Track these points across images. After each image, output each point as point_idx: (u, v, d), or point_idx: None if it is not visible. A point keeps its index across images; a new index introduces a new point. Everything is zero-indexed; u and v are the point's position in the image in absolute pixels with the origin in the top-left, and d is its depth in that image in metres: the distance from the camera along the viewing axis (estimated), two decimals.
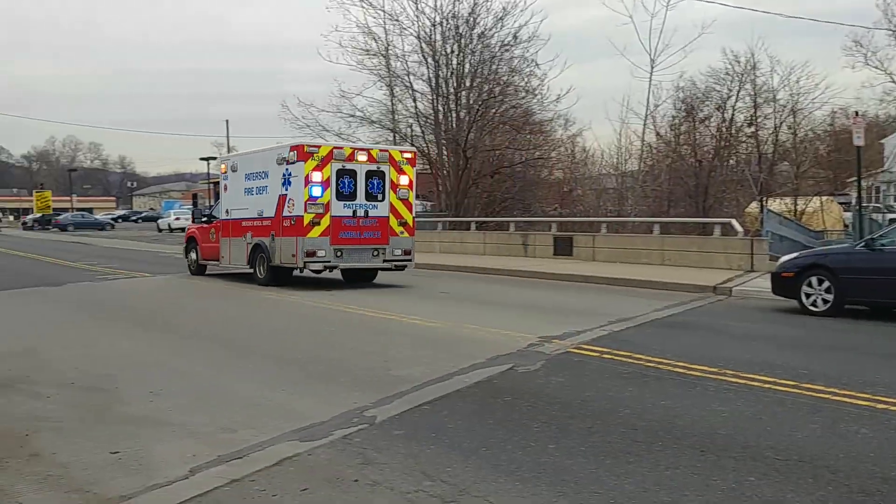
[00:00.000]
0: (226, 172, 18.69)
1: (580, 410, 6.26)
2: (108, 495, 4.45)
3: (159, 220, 65.94)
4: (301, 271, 16.24)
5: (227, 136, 73.46)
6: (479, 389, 6.97)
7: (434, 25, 30.11)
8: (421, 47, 30.58)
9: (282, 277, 16.25)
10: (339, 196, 15.54)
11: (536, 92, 30.86)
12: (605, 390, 6.93)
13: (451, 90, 30.63)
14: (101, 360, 8.50)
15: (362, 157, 15.93)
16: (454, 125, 30.41)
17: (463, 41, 29.84)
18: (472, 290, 15.87)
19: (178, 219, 60.74)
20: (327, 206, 15.35)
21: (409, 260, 16.73)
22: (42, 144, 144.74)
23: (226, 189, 18.59)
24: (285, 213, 15.72)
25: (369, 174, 15.92)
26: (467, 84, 30.62)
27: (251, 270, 17.08)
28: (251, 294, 15.10)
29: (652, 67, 29.65)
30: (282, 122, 32.44)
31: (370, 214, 15.95)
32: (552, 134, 34.98)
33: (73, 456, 5.12)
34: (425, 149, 32.22)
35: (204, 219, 20.11)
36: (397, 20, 30.63)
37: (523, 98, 31.56)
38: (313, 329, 10.62)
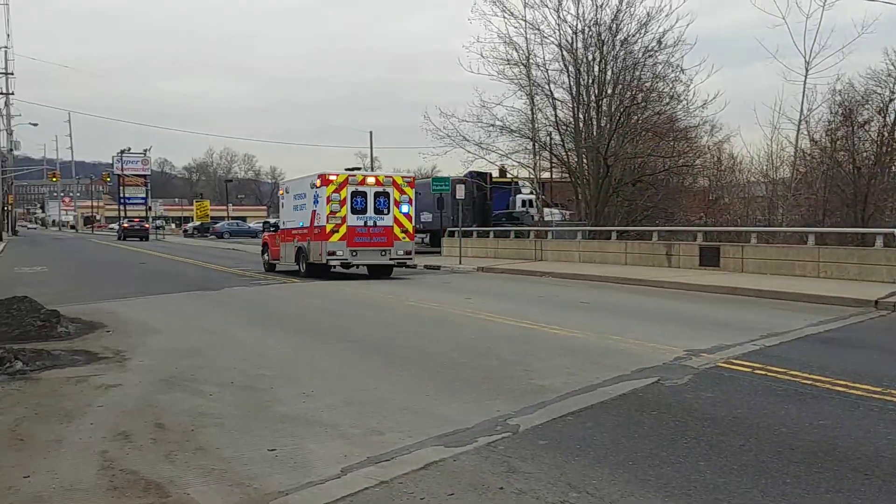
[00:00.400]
0: (283, 194, 24.84)
1: (732, 427, 6.03)
2: (267, 490, 4.68)
3: None
4: (331, 267, 21.29)
5: (371, 147, 75.83)
6: (624, 402, 6.84)
7: (575, 33, 29.85)
8: (562, 55, 30.36)
9: (315, 271, 21.38)
10: (354, 211, 20.74)
11: (681, 98, 29.93)
12: (759, 408, 6.63)
13: (593, 98, 30.22)
14: (256, 360, 8.94)
15: (371, 181, 21.33)
16: (595, 133, 30.00)
17: (605, 48, 29.39)
18: (614, 301, 15.59)
19: None
20: (344, 219, 20.56)
21: (410, 258, 21.92)
22: (201, 157, 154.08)
23: (283, 206, 24.72)
24: (315, 224, 21.04)
25: (377, 194, 21.10)
26: (609, 91, 30.12)
27: (297, 267, 22.27)
28: (390, 301, 15.47)
29: (807, 70, 28.10)
30: (423, 132, 33.07)
31: (378, 224, 21.05)
32: (697, 140, 33.84)
33: (235, 451, 5.41)
34: (564, 157, 31.97)
35: (272, 229, 25.97)
36: (538, 29, 30.56)
37: (667, 104, 30.68)
38: (453, 335, 10.74)
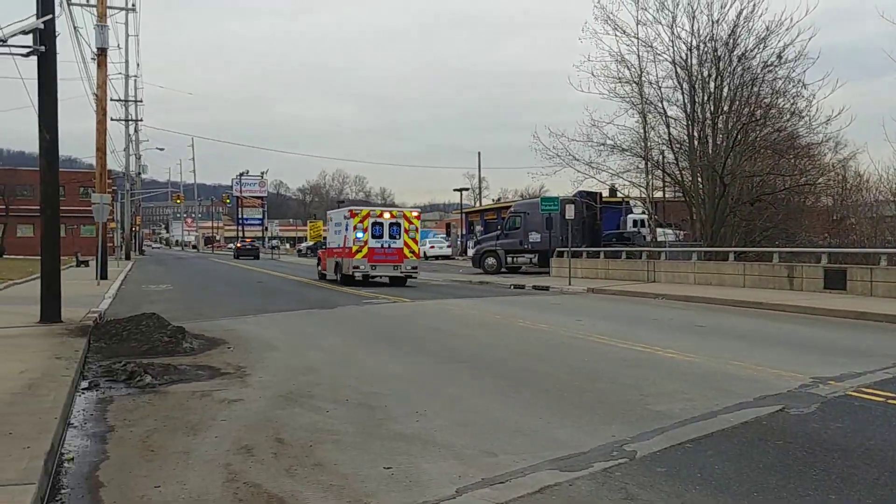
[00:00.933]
0: (329, 222, 33.34)
1: (864, 459, 5.70)
2: None
3: None
4: (356, 278, 27.13)
5: (479, 168, 76.34)
6: (746, 430, 6.58)
7: (690, 50, 29.23)
8: (676, 72, 29.79)
9: (347, 281, 27.46)
10: (373, 237, 27.21)
11: (803, 114, 28.75)
12: (893, 440, 6.24)
13: (708, 115, 29.45)
14: (370, 379, 9.09)
15: (387, 216, 28.08)
16: (710, 151, 29.19)
17: (721, 64, 28.61)
18: (732, 324, 15.05)
19: (432, 247, 63.55)
20: (366, 242, 27.08)
21: (416, 271, 28.31)
22: (314, 178, 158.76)
23: (328, 231, 34.03)
24: (346, 245, 27.84)
25: (391, 224, 27.63)
26: (725, 108, 29.28)
27: (335, 277, 28.76)
28: (500, 321, 15.43)
29: None
30: (532, 152, 32.91)
31: (391, 247, 27.43)
32: (820, 158, 32.36)
33: (352, 468, 5.50)
34: (678, 176, 31.25)
35: (323, 247, 34.03)
36: (651, 46, 30.12)
37: (788, 121, 29.54)
38: (565, 357, 10.61)
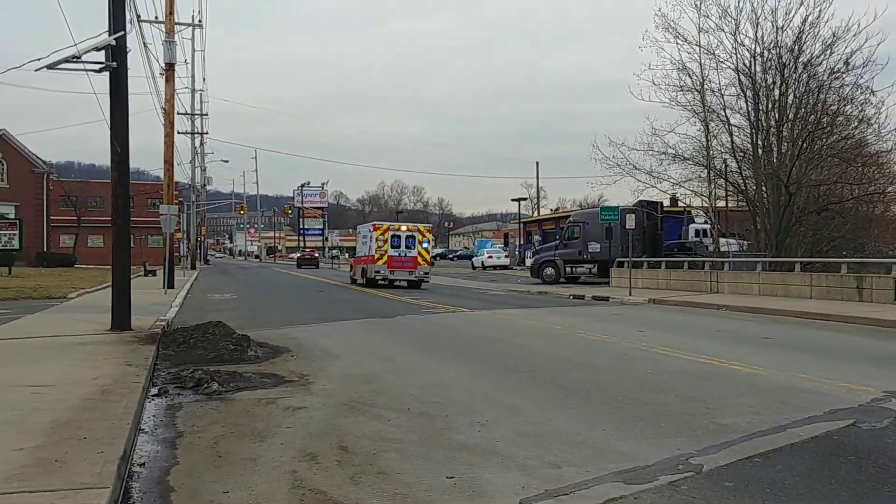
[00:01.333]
0: (357, 235, 40.38)
1: None
2: None
3: (473, 258, 69.48)
4: (376, 281, 33.04)
5: (537, 178, 76.06)
6: (816, 445, 6.42)
7: (754, 57, 28.71)
8: (739, 80, 29.27)
9: (371, 284, 32.94)
10: (392, 247, 32.48)
11: (872, 121, 27.98)
12: None
13: (773, 123, 28.86)
14: (431, 388, 9.13)
15: (404, 229, 33.50)
16: (775, 160, 28.58)
17: (786, 71, 28.01)
18: (799, 336, 14.69)
19: (490, 257, 63.56)
20: (386, 251, 32.34)
21: (428, 276, 33.58)
22: (373, 189, 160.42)
23: (357, 242, 39.76)
24: (370, 254, 33.07)
25: (407, 237, 32.90)
26: (790, 116, 28.64)
27: (363, 281, 33.90)
28: (560, 332, 15.33)
29: None
30: (592, 161, 32.74)
31: (407, 255, 32.63)
32: (890, 166, 31.41)
33: (415, 477, 5.53)
34: (741, 185, 30.67)
35: (353, 256, 42.73)
36: (713, 54, 29.69)
37: (855, 128, 28.76)
38: (627, 369, 10.49)
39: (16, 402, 7.31)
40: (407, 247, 32.85)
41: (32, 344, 11.95)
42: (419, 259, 33.07)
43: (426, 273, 33.41)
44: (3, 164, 57.79)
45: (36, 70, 13.10)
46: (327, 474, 5.64)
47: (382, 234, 32.77)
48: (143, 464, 6.05)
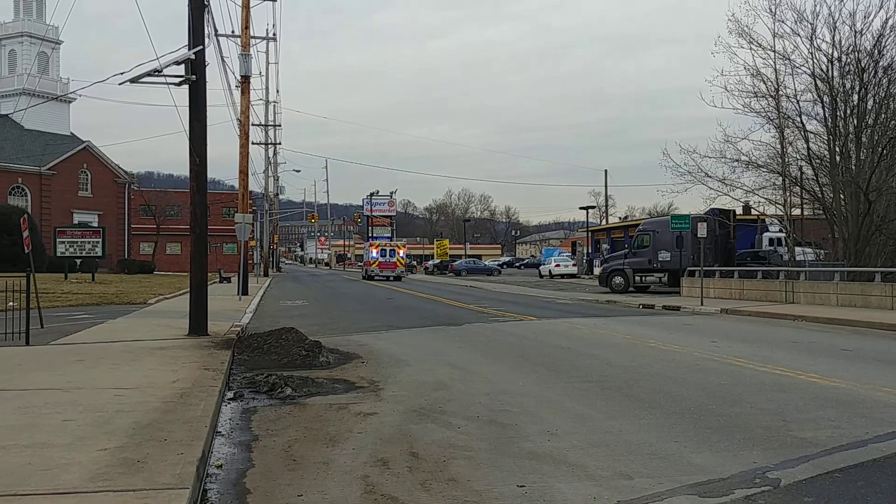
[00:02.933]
0: (364, 246, 66.26)
1: None
2: None
3: (541, 267, 69.12)
4: (372, 277, 55.12)
5: (606, 186, 75.28)
6: None
7: (831, 62, 27.92)
8: (815, 85, 28.50)
9: (370, 278, 54.80)
10: (381, 255, 55.46)
11: None
12: None
13: (851, 129, 28.00)
14: (499, 396, 9.13)
15: (388, 245, 56.80)
16: (853, 167, 27.71)
17: (865, 76, 27.14)
18: (881, 349, 14.19)
19: (557, 266, 63.13)
20: (377, 258, 55.42)
21: (404, 274, 57.84)
22: (441, 198, 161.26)
23: (364, 250, 64.39)
24: (368, 260, 57.31)
25: (390, 250, 56.01)
26: (870, 122, 27.75)
27: (366, 276, 56.42)
28: (630, 341, 15.13)
29: None
30: (662, 169, 32.24)
31: (389, 261, 55.16)
32: None
33: (486, 485, 5.56)
34: (818, 193, 29.80)
35: (362, 261, 65.81)
36: (788, 59, 28.98)
37: None
38: (699, 380, 10.30)
39: (101, 404, 7.61)
40: (389, 256, 55.77)
41: (115, 348, 12.40)
42: (397, 263, 55.79)
43: (402, 272, 56.95)
44: (87, 175, 60.07)
45: (120, 84, 13.65)
46: (398, 480, 5.71)
47: (375, 248, 56.46)
48: (221, 465, 6.22)
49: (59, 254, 40.76)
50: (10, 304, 13.91)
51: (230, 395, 9.27)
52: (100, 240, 41.48)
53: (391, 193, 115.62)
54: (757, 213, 36.42)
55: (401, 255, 56.09)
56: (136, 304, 23.73)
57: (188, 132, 14.41)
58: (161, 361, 10.84)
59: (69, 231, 42.14)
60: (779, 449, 6.53)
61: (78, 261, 41.39)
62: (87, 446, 5.98)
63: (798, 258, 31.50)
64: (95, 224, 51.63)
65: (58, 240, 40.82)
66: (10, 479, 5.07)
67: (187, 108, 14.46)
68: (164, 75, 13.87)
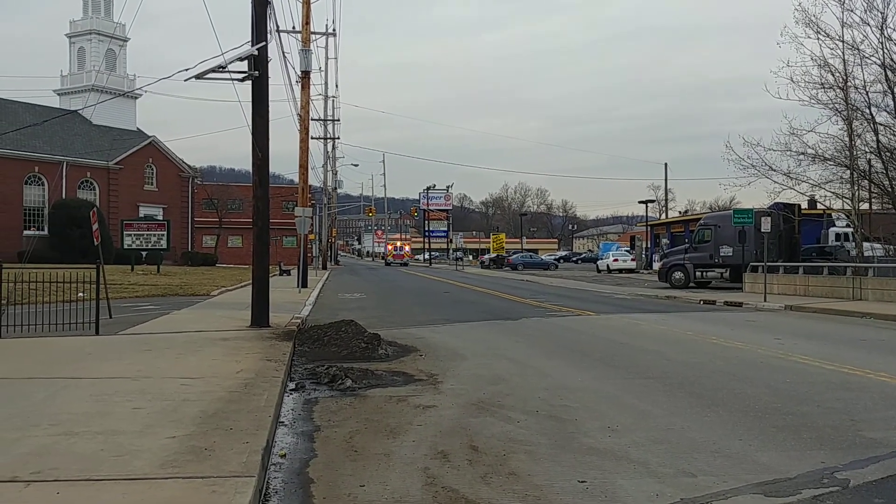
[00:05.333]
0: (381, 240, 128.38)
1: None
2: None
3: (598, 262, 68.41)
4: (388, 263, 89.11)
5: (665, 179, 74.13)
6: None
7: None
8: (886, 76, 27.56)
9: (388, 264, 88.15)
10: (394, 248, 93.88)
11: None
12: None
13: None
14: (558, 391, 9.10)
15: (399, 242, 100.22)
16: None
17: None
18: None
19: (615, 260, 62.45)
20: (392, 251, 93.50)
21: (408, 262, 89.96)
22: (497, 192, 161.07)
23: (381, 244, 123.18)
24: (387, 253, 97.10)
25: (399, 245, 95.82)
26: None
27: (385, 263, 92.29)
28: (692, 338, 14.91)
29: None
30: (724, 162, 31.56)
31: (398, 254, 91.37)
32: None
33: (546, 479, 5.55)
34: (888, 186, 28.87)
35: (384, 253, 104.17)
36: (857, 49, 28.10)
37: None
38: (764, 378, 10.09)
39: (168, 393, 7.82)
40: (399, 249, 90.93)
41: (180, 339, 12.71)
42: (404, 255, 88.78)
43: (407, 260, 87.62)
44: (153, 169, 61.53)
45: (185, 80, 13.96)
46: (458, 473, 5.74)
47: (391, 245, 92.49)
48: (284, 455, 6.34)
49: (125, 246, 41.90)
50: (80, 294, 14.37)
51: (292, 385, 9.43)
52: (165, 233, 42.52)
53: (447, 187, 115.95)
54: (823, 207, 35.43)
55: (406, 249, 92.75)
56: (200, 296, 24.26)
57: (251, 127, 14.64)
58: (224, 352, 11.08)
59: (135, 224, 43.31)
60: (847, 449, 6.38)
61: (143, 253, 42.47)
62: (156, 434, 6.15)
63: (866, 254, 30.58)
64: (160, 217, 52.88)
65: (124, 232, 41.97)
66: (84, 465, 5.24)
67: (250, 104, 14.69)
68: (228, 71, 14.12)
